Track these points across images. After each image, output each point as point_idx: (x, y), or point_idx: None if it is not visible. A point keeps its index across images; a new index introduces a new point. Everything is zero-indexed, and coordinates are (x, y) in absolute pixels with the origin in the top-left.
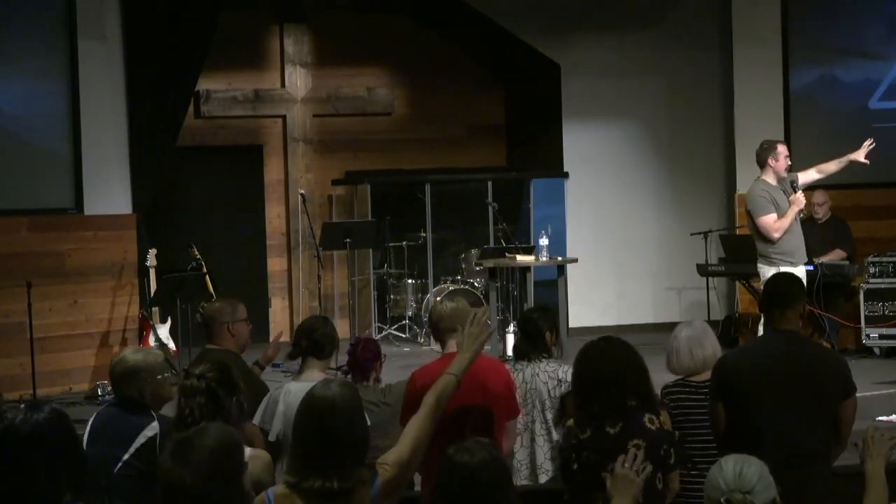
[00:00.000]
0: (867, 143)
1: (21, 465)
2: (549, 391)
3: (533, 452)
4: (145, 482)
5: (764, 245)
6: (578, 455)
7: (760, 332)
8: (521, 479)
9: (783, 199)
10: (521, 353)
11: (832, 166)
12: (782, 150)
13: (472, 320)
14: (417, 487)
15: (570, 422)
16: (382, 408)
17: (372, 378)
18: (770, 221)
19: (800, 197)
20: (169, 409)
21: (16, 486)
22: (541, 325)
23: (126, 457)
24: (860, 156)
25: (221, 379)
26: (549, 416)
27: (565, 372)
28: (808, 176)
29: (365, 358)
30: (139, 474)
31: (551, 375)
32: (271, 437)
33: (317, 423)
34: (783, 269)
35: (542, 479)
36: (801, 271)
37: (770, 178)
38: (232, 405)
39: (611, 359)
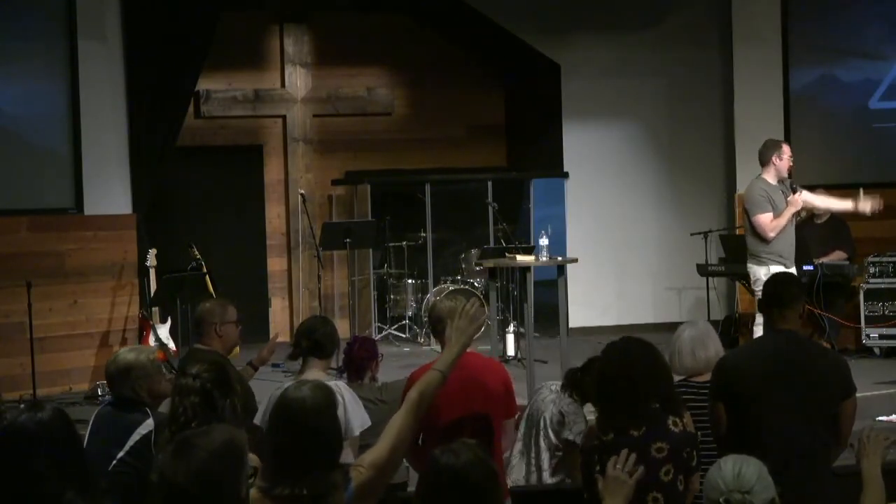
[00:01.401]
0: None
1: (25, 462)
2: (546, 423)
3: (529, 462)
4: (140, 480)
5: (756, 244)
6: (601, 457)
7: (755, 332)
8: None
9: (781, 199)
10: (570, 382)
11: (833, 203)
12: (787, 150)
13: (461, 313)
14: (413, 487)
15: (593, 423)
16: (379, 406)
17: (367, 377)
18: (766, 220)
19: (797, 198)
20: (166, 407)
21: (20, 483)
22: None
23: (121, 454)
24: (867, 207)
25: (217, 379)
26: (542, 441)
27: (573, 414)
28: (809, 196)
29: (360, 357)
30: (134, 472)
31: (563, 411)
32: None
33: (286, 426)
34: (773, 267)
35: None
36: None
37: (770, 178)
38: (226, 406)
39: (632, 360)
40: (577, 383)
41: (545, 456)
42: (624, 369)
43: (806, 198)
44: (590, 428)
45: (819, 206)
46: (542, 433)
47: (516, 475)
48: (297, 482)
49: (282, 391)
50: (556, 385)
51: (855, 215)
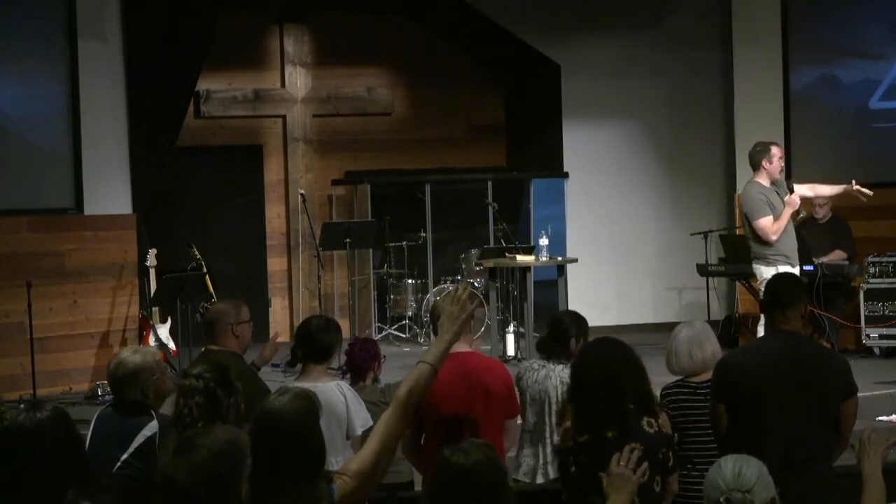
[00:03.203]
0: (865, 189)
1: (25, 462)
2: (557, 395)
3: (537, 453)
4: (144, 481)
5: (760, 246)
6: (576, 458)
7: (760, 332)
8: (519, 475)
9: (778, 200)
10: (546, 350)
11: (826, 190)
12: (776, 151)
13: (454, 298)
14: (418, 487)
15: (568, 424)
16: (381, 407)
17: (369, 378)
18: (768, 224)
19: (794, 198)
20: (166, 408)
21: (20, 483)
22: (570, 331)
23: (125, 456)
24: (862, 190)
25: (220, 379)
26: (549, 436)
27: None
28: (800, 189)
29: (361, 358)
30: (138, 474)
31: (563, 380)
32: None
33: (266, 437)
34: (781, 268)
35: (540, 479)
36: (796, 273)
37: (763, 180)
38: (230, 405)
39: (607, 361)
40: (553, 349)
41: (545, 453)
42: (598, 370)
43: (800, 191)
44: (565, 429)
45: (811, 196)
46: (547, 421)
47: (525, 467)
48: (279, 495)
49: (264, 401)
50: (536, 363)
51: (854, 214)
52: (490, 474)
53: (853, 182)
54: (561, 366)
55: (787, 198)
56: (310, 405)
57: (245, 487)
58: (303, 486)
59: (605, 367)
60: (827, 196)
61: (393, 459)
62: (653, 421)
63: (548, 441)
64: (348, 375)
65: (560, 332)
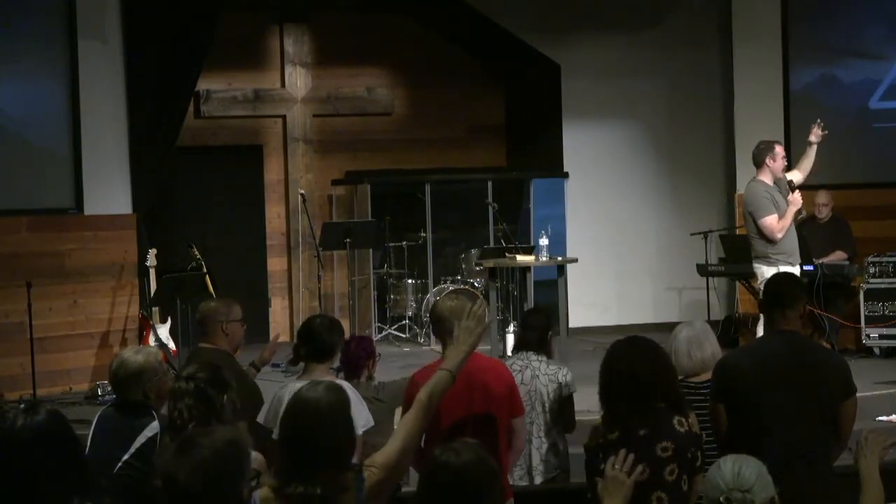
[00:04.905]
0: (818, 129)
1: (22, 469)
2: (548, 394)
3: (529, 453)
4: (146, 482)
5: (763, 245)
6: (605, 455)
7: (760, 332)
8: (513, 479)
9: (782, 199)
10: (526, 344)
11: (805, 161)
12: (780, 150)
13: (468, 313)
14: (408, 487)
15: (598, 421)
16: (376, 404)
17: (364, 376)
18: (773, 222)
19: (797, 197)
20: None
21: (18, 491)
22: (545, 323)
23: (126, 457)
24: (811, 136)
25: (211, 379)
26: (548, 418)
27: (564, 375)
28: (794, 177)
29: (357, 356)
30: (139, 474)
31: (551, 378)
32: (275, 436)
33: (300, 426)
34: (782, 267)
35: (538, 479)
36: (797, 272)
37: (767, 179)
38: (224, 403)
39: (639, 359)
40: (526, 338)
41: (536, 454)
42: (629, 368)
43: (797, 179)
44: (594, 427)
45: (803, 172)
46: (541, 421)
47: (519, 471)
48: (311, 481)
49: (295, 391)
50: (517, 363)
51: (854, 214)
52: (480, 474)
53: (815, 126)
54: (544, 363)
55: (790, 196)
56: (341, 396)
57: (245, 487)
58: (335, 474)
59: (635, 364)
60: (810, 164)
61: (413, 456)
62: (683, 420)
63: (541, 441)
64: (342, 373)
65: (527, 324)
